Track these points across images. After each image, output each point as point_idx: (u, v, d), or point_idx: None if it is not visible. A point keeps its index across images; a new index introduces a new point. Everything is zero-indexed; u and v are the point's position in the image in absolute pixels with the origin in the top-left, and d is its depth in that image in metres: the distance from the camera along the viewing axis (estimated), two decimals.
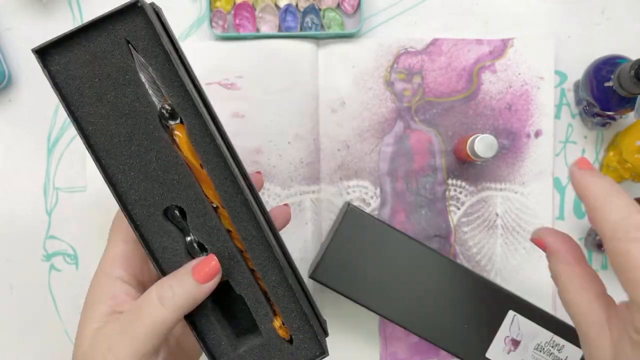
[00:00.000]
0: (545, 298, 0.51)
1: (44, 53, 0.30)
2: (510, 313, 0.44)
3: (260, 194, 0.45)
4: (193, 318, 0.33)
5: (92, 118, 0.31)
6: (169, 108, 0.31)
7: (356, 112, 0.51)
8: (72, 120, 0.31)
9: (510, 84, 0.51)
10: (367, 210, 0.51)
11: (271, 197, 0.50)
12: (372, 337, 0.51)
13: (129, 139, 0.31)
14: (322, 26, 0.50)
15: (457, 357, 0.44)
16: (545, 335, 0.44)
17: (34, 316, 0.50)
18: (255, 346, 0.34)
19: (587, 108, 0.49)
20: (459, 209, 0.51)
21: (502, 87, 0.51)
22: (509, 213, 0.51)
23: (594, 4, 0.51)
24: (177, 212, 0.33)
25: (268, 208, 0.37)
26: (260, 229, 0.32)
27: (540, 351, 0.44)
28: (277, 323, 0.34)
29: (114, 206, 0.49)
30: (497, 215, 0.51)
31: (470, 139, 0.46)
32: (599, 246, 0.50)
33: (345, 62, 0.50)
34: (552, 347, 0.44)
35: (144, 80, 0.31)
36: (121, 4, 0.30)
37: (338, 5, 0.51)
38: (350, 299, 0.44)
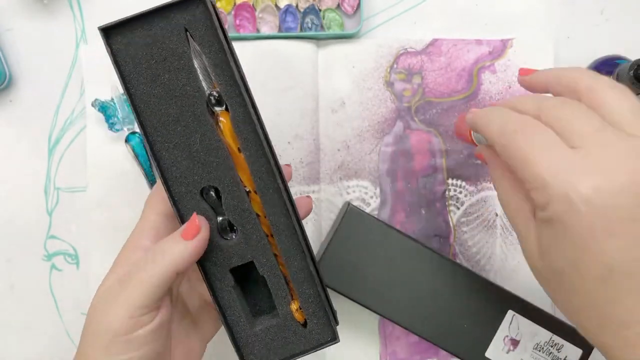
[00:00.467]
0: (544, 298, 0.51)
1: (108, 32, 0.32)
2: (510, 313, 0.44)
3: None
4: (217, 293, 0.35)
5: (146, 97, 0.33)
6: (217, 95, 0.33)
7: (356, 112, 0.51)
8: (128, 96, 0.33)
9: (510, 84, 0.51)
10: (367, 210, 0.51)
11: None
12: (372, 336, 0.51)
13: (176, 120, 0.33)
14: (322, 27, 0.51)
15: (457, 356, 0.44)
16: (544, 334, 0.44)
17: (34, 316, 0.50)
18: (271, 326, 0.36)
19: None
20: (458, 208, 0.51)
21: (502, 87, 0.51)
22: None
23: (593, 4, 0.52)
24: (212, 192, 0.34)
25: None
26: (289, 215, 0.34)
27: (540, 351, 0.44)
28: (294, 306, 0.36)
29: (114, 206, 0.49)
30: (496, 215, 0.51)
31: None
32: None
33: (345, 63, 0.51)
34: (552, 346, 0.44)
35: (196, 66, 0.33)
36: None
37: (338, 6, 0.51)
38: (350, 298, 0.44)
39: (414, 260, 0.44)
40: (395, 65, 0.51)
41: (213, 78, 0.33)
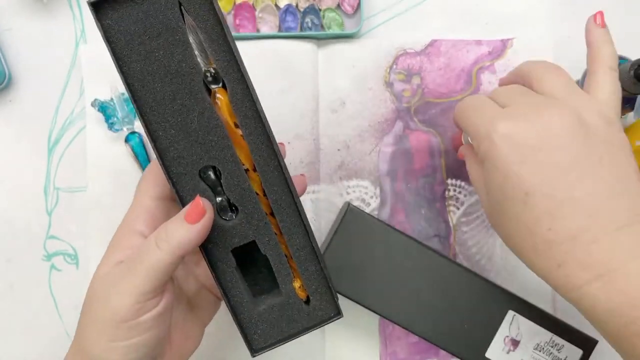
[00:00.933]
0: (544, 298, 0.51)
1: (98, 7, 0.31)
2: (510, 313, 0.44)
3: None
4: (219, 274, 0.34)
5: (140, 74, 0.32)
6: (214, 71, 0.32)
7: (356, 112, 0.51)
8: (120, 74, 0.31)
9: None
10: (367, 210, 0.51)
11: None
12: (372, 336, 0.51)
13: (172, 98, 0.32)
14: (322, 26, 0.51)
15: (457, 356, 0.44)
16: (544, 335, 0.44)
17: (34, 316, 0.50)
18: (275, 305, 0.36)
19: None
20: (458, 208, 0.51)
21: None
22: None
23: (593, 4, 0.51)
24: (211, 172, 0.34)
25: None
26: (290, 193, 0.34)
27: (540, 351, 0.44)
28: (296, 284, 0.36)
29: (114, 206, 0.49)
30: None
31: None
32: None
33: (345, 63, 0.51)
34: (552, 347, 0.44)
35: (192, 42, 0.32)
36: None
37: (338, 6, 0.51)
38: (350, 298, 0.44)
39: (414, 260, 0.44)
40: (394, 66, 0.51)
41: (209, 54, 0.32)
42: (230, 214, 0.34)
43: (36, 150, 0.50)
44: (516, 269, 0.51)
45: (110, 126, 0.48)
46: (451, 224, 0.51)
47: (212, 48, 0.32)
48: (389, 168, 0.51)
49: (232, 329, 0.36)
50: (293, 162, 0.50)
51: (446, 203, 0.51)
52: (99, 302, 0.32)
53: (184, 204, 0.33)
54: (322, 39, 0.51)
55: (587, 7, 0.52)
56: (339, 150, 0.51)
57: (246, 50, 0.49)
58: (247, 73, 0.32)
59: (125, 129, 0.49)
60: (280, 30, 0.50)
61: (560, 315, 0.51)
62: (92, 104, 0.48)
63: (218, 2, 0.32)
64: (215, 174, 0.34)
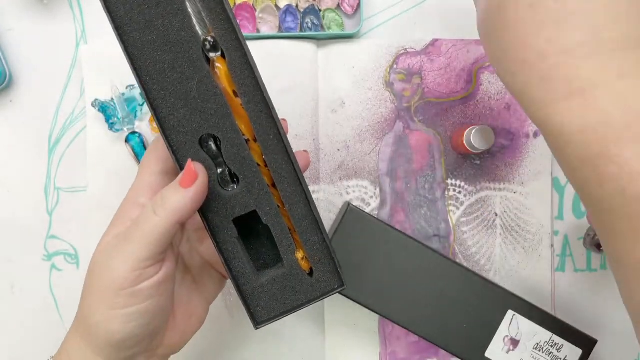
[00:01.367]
0: (544, 298, 0.51)
1: None
2: (510, 313, 0.44)
3: None
4: (221, 244, 0.34)
5: (139, 44, 0.32)
6: (212, 40, 0.33)
7: (356, 112, 0.51)
8: (121, 44, 0.32)
9: None
10: (367, 210, 0.51)
11: None
12: (371, 336, 0.51)
13: (172, 67, 0.32)
14: (322, 27, 0.51)
15: (457, 356, 0.44)
16: (544, 334, 0.44)
17: (34, 316, 0.50)
18: (277, 276, 0.35)
19: None
20: (458, 208, 0.51)
21: (501, 87, 0.51)
22: (508, 213, 0.51)
23: None
24: (212, 143, 0.34)
25: None
26: (291, 162, 0.34)
27: (540, 350, 0.44)
28: (299, 255, 0.35)
29: (115, 206, 0.49)
30: (496, 215, 0.51)
31: (467, 130, 0.46)
32: (598, 246, 0.50)
33: (345, 63, 0.51)
34: (551, 346, 0.44)
35: (190, 11, 0.32)
36: None
37: (338, 6, 0.51)
38: (350, 298, 0.44)
39: (414, 260, 0.44)
40: (395, 66, 0.51)
41: (207, 23, 0.32)
42: (232, 184, 0.34)
43: (37, 150, 0.50)
44: (515, 269, 0.51)
45: (111, 126, 0.48)
46: (451, 224, 0.51)
47: (210, 17, 0.32)
48: (388, 168, 0.51)
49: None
50: None
51: (446, 203, 0.51)
52: (99, 271, 0.33)
53: None
54: (322, 40, 0.51)
55: None
56: (338, 150, 0.51)
57: None
58: (245, 42, 0.32)
59: (125, 129, 0.49)
60: (280, 30, 0.51)
61: (560, 315, 0.51)
62: (93, 104, 0.48)
63: None
64: (215, 144, 0.34)
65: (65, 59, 0.50)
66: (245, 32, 0.50)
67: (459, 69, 0.51)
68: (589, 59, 0.28)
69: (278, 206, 0.35)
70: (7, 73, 0.48)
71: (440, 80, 0.51)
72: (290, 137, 0.50)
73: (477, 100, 0.51)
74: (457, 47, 0.51)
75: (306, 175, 0.50)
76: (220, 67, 0.33)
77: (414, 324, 0.44)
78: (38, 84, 0.50)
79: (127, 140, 0.49)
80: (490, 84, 0.51)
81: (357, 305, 0.44)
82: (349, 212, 0.44)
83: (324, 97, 0.51)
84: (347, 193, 0.51)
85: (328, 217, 0.51)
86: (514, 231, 0.51)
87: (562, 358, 0.44)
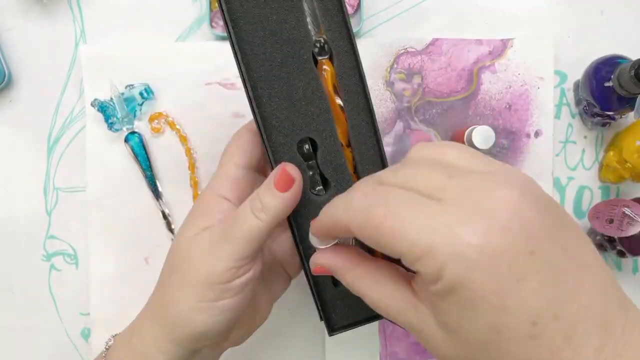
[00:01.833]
0: None
1: None
2: None
3: None
4: (305, 250, 0.34)
5: (251, 38, 0.31)
6: (323, 41, 0.31)
7: None
8: (232, 36, 0.30)
9: (510, 84, 0.51)
10: None
11: None
12: (372, 337, 0.51)
13: (281, 66, 0.31)
14: None
15: None
16: None
17: (33, 316, 0.50)
18: None
19: (587, 108, 0.49)
20: None
21: (502, 87, 0.51)
22: None
23: (593, 4, 0.51)
24: (307, 145, 0.33)
25: None
26: None
27: None
28: None
29: (114, 205, 0.49)
30: None
31: (468, 130, 0.46)
32: (599, 246, 0.50)
33: None
34: None
35: (306, 8, 0.31)
36: None
37: None
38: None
39: None
40: (395, 65, 0.51)
41: (321, 23, 0.31)
42: (319, 188, 0.34)
43: (36, 150, 0.50)
44: None
45: (110, 126, 0.48)
46: None
47: (324, 17, 0.31)
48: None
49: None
50: None
51: None
52: (191, 264, 0.33)
53: None
54: None
55: (587, 7, 0.52)
56: None
57: None
58: (356, 47, 0.31)
59: (124, 128, 0.49)
60: None
61: None
62: (92, 104, 0.48)
63: None
64: (311, 147, 0.33)
65: (65, 58, 0.50)
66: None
67: (459, 68, 0.51)
68: (621, 356, 0.23)
69: None
70: (6, 73, 0.48)
71: (441, 80, 0.51)
72: None
73: (478, 100, 0.51)
74: (458, 47, 0.51)
75: None
76: (328, 69, 0.32)
77: None
78: (37, 84, 0.50)
79: (126, 140, 0.48)
80: (491, 84, 0.51)
81: None
82: None
83: None
84: None
85: None
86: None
87: None
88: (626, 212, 0.46)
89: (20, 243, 0.50)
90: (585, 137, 0.52)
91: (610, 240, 0.48)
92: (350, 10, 0.50)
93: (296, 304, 0.50)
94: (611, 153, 0.50)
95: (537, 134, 0.51)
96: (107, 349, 0.37)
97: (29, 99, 0.50)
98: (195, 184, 0.49)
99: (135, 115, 0.49)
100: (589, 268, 0.24)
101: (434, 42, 0.51)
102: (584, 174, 0.52)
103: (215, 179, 0.36)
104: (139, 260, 0.50)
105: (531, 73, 0.51)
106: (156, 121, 0.49)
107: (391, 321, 0.28)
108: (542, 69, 0.51)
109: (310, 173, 0.33)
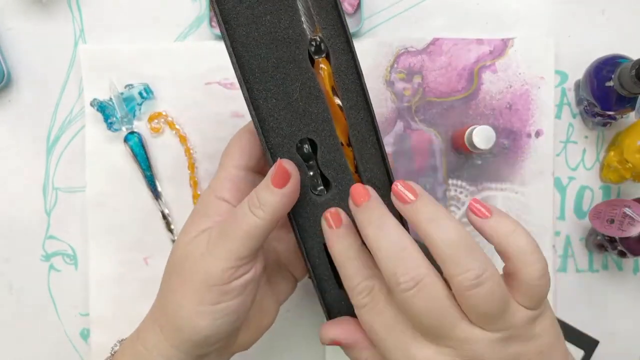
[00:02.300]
0: None
1: None
2: None
3: None
4: (308, 249, 0.34)
5: (245, 39, 0.31)
6: (319, 40, 0.31)
7: None
8: (226, 38, 0.30)
9: (511, 84, 0.51)
10: None
11: None
12: None
13: (276, 66, 0.31)
14: None
15: None
16: None
17: (33, 316, 0.50)
18: None
19: (588, 108, 0.49)
20: (459, 209, 0.51)
21: (503, 86, 0.51)
22: (509, 213, 0.51)
23: (594, 4, 0.51)
24: (306, 145, 0.33)
25: None
26: (387, 173, 0.33)
27: None
28: None
29: (113, 206, 0.49)
30: None
31: (468, 130, 0.46)
32: (600, 246, 0.50)
33: None
34: None
35: (300, 7, 0.31)
36: None
37: None
38: None
39: None
40: (395, 65, 0.51)
41: (316, 21, 0.31)
42: (320, 188, 0.33)
43: (35, 150, 0.50)
44: None
45: (109, 126, 0.48)
46: None
47: (319, 16, 0.31)
48: None
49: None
50: None
51: (447, 203, 0.51)
52: (190, 266, 0.33)
53: None
54: None
55: (587, 7, 0.52)
56: None
57: None
58: (353, 44, 0.31)
59: (124, 128, 0.48)
60: None
61: (562, 316, 0.51)
62: (91, 104, 0.48)
63: None
64: (310, 147, 0.33)
65: (64, 58, 0.50)
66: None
67: (460, 68, 0.51)
68: None
69: None
70: (6, 72, 0.48)
71: (441, 80, 0.51)
72: None
73: (479, 100, 0.51)
74: (458, 46, 0.51)
75: None
76: (325, 68, 0.32)
77: None
78: (36, 84, 0.50)
79: (125, 140, 0.48)
80: (492, 84, 0.51)
81: None
82: None
83: None
84: None
85: None
86: None
87: None
88: (627, 213, 0.46)
89: (20, 243, 0.50)
90: (586, 137, 0.52)
91: (611, 240, 0.48)
92: (350, 10, 0.50)
93: (296, 304, 0.50)
94: (612, 153, 0.50)
95: (537, 134, 0.51)
96: (112, 355, 0.37)
97: (28, 98, 0.50)
98: (194, 184, 0.49)
99: (134, 115, 0.49)
100: None
101: (434, 41, 0.51)
102: (584, 174, 0.52)
103: (215, 181, 0.35)
104: (139, 261, 0.50)
105: (532, 73, 0.51)
106: (155, 121, 0.49)
107: None
108: (543, 69, 0.51)
109: (311, 174, 0.33)
